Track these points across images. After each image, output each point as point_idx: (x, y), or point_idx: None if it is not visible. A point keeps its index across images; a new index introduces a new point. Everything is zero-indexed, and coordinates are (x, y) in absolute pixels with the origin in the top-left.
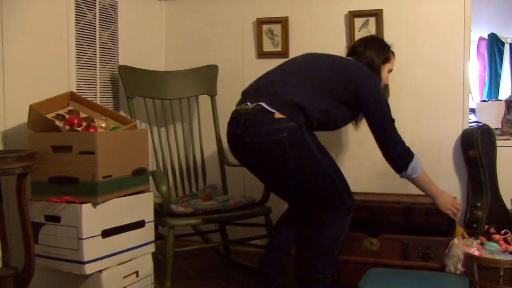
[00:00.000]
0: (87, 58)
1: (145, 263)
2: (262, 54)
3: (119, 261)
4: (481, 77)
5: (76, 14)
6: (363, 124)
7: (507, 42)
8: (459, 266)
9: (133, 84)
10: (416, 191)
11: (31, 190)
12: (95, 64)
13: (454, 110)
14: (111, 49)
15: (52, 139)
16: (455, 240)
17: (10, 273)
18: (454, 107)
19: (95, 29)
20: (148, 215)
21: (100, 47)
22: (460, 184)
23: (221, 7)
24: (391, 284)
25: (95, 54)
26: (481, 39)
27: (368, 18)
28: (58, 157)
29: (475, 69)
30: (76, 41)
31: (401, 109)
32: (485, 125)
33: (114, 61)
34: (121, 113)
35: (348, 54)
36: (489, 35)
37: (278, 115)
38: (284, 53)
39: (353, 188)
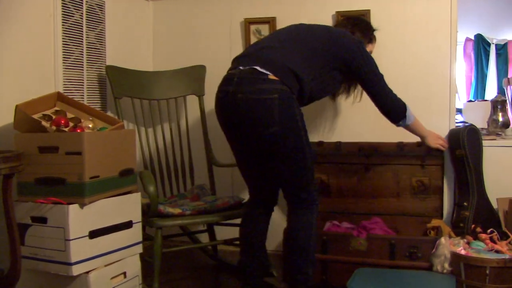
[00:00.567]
0: (74, 58)
1: (132, 264)
2: None
3: (107, 262)
4: (468, 78)
5: (63, 14)
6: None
7: (493, 43)
8: (446, 265)
9: (120, 84)
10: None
11: (17, 191)
12: (82, 64)
13: (441, 110)
14: (98, 49)
15: (38, 139)
16: (442, 240)
17: None
18: (441, 107)
19: (82, 29)
20: (136, 216)
21: (87, 47)
22: (447, 184)
23: (209, 7)
24: (379, 284)
25: (82, 54)
26: (467, 40)
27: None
28: (45, 157)
29: (462, 69)
30: (63, 41)
31: None
32: (471, 125)
33: (102, 61)
34: (109, 113)
35: None
36: (475, 36)
37: (272, 76)
38: None
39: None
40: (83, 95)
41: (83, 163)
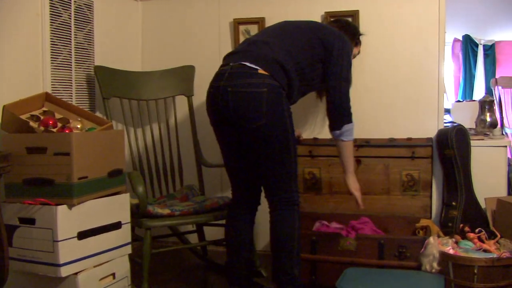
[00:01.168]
0: (62, 58)
1: (121, 265)
2: None
3: (96, 263)
4: (456, 78)
5: (51, 14)
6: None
7: (481, 44)
8: (435, 264)
9: (109, 84)
10: None
11: (5, 192)
12: (71, 65)
13: (430, 110)
14: (87, 49)
15: (26, 140)
16: (431, 239)
17: None
18: (429, 107)
19: (70, 29)
20: (125, 217)
21: (76, 47)
22: (436, 184)
23: (198, 8)
24: (368, 284)
25: (71, 54)
26: (455, 40)
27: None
28: (33, 158)
29: (450, 70)
30: (51, 41)
31: (377, 109)
32: (459, 125)
33: (90, 62)
34: (97, 114)
35: None
36: (463, 37)
37: (261, 71)
38: None
39: None
40: (71, 96)
41: (71, 163)
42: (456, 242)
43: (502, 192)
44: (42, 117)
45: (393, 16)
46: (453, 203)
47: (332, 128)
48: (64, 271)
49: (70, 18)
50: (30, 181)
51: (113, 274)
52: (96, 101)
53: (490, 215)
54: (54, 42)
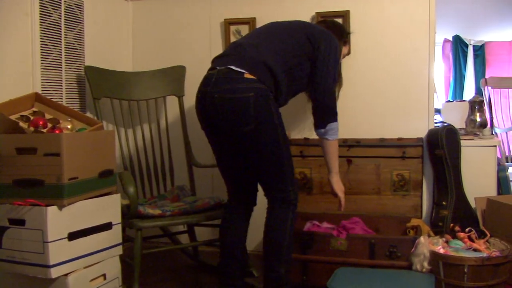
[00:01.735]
0: (52, 59)
1: (112, 266)
2: None
3: (86, 264)
4: (446, 78)
5: (40, 14)
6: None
7: (471, 44)
8: (425, 264)
9: (99, 85)
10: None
11: None
12: (61, 65)
13: (420, 111)
14: (77, 49)
15: (16, 141)
16: (422, 239)
17: None
18: (420, 108)
19: (60, 29)
20: (116, 217)
21: (66, 47)
22: (426, 183)
23: (189, 8)
24: (359, 283)
25: (61, 55)
26: (446, 41)
27: (335, 19)
28: (23, 159)
29: (441, 70)
30: (41, 41)
31: (367, 109)
32: (450, 125)
33: (80, 62)
34: (88, 114)
35: None
36: (453, 37)
37: (247, 75)
38: None
39: None
40: (61, 96)
41: (61, 164)
42: (447, 242)
43: (491, 191)
44: (32, 118)
45: (384, 17)
46: (444, 203)
47: (317, 126)
48: (55, 272)
49: (60, 18)
50: (20, 182)
51: (104, 275)
52: (87, 101)
53: (480, 215)
54: (44, 42)
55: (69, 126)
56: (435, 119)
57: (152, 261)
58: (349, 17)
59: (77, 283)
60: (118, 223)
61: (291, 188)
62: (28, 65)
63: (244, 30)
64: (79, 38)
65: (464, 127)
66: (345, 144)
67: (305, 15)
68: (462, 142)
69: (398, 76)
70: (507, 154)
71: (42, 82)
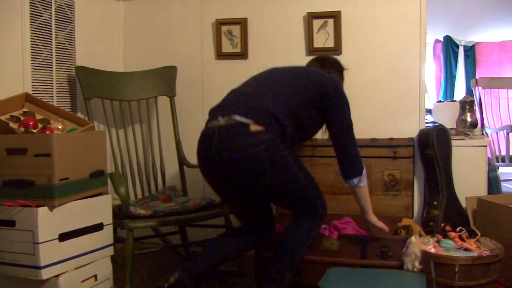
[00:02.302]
0: (43, 59)
1: (103, 267)
2: (221, 55)
3: (77, 265)
4: (437, 79)
5: (31, 14)
6: None
7: (461, 45)
8: (417, 263)
9: (90, 85)
10: None
11: None
12: (51, 65)
13: (411, 111)
14: (68, 49)
15: (6, 141)
16: (413, 238)
17: None
18: (411, 108)
19: (51, 29)
20: (107, 218)
21: (57, 47)
22: (417, 183)
23: (180, 8)
24: (351, 283)
25: (51, 55)
26: (437, 41)
27: (326, 19)
28: (13, 160)
29: (432, 70)
30: (31, 41)
31: (358, 110)
32: (440, 125)
33: (71, 62)
34: (79, 114)
35: None
36: (444, 38)
37: (253, 126)
38: (243, 54)
39: None
40: (52, 96)
41: (52, 165)
42: (438, 241)
43: (482, 191)
44: (22, 118)
45: (375, 17)
46: (435, 203)
47: (349, 177)
48: (45, 274)
49: (51, 18)
50: (10, 182)
51: (95, 276)
52: (78, 101)
53: (471, 214)
54: (35, 42)
55: (59, 127)
56: (426, 119)
57: (144, 262)
58: (340, 18)
59: (68, 284)
60: (110, 224)
61: (320, 204)
62: (19, 65)
63: (236, 30)
64: (70, 38)
65: (455, 127)
66: None
67: (297, 16)
68: (453, 142)
69: (389, 76)
70: (497, 154)
71: (32, 82)
